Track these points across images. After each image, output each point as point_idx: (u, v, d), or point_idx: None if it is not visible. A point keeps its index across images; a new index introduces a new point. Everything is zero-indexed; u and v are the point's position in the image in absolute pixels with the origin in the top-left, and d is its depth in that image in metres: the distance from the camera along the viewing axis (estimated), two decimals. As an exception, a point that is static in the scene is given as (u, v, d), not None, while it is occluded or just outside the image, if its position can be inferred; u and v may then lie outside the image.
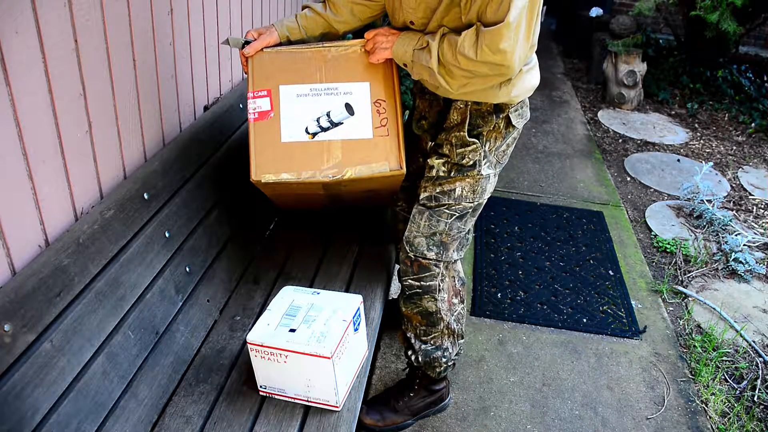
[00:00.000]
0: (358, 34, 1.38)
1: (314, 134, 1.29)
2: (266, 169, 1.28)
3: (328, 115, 1.29)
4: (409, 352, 1.50)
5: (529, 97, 1.30)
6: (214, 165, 1.53)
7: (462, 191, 1.30)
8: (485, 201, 1.36)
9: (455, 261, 1.40)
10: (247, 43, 1.31)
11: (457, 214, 1.33)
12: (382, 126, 1.30)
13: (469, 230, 1.39)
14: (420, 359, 1.48)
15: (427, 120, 1.37)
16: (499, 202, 2.75)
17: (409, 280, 1.38)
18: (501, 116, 1.26)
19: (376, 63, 1.29)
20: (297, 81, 1.30)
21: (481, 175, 1.30)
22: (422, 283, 1.37)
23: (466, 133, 1.26)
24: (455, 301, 1.44)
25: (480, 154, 1.28)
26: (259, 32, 1.32)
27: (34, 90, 0.98)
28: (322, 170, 1.27)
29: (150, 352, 1.17)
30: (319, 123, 1.29)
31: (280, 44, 1.32)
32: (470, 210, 1.34)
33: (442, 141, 1.30)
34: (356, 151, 1.28)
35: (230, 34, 1.78)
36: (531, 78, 1.26)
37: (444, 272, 1.38)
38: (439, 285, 1.38)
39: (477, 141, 1.27)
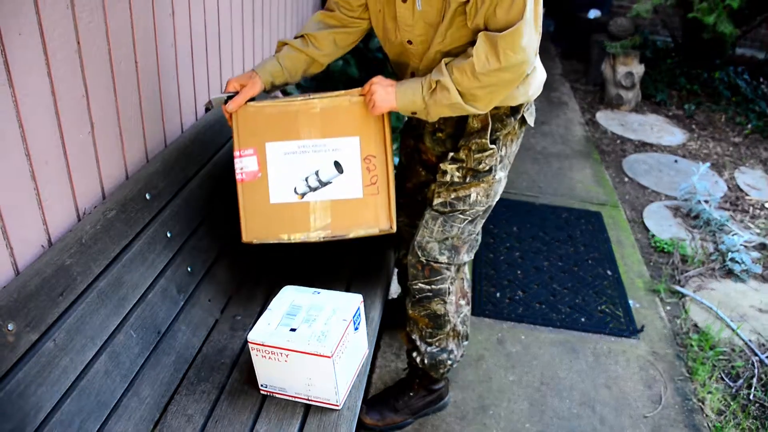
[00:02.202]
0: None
1: (303, 194, 1.28)
2: (256, 232, 1.29)
3: (316, 174, 1.27)
4: (414, 354, 1.49)
5: (527, 98, 1.31)
6: (216, 165, 1.54)
7: (477, 197, 1.29)
8: (495, 203, 1.36)
9: (465, 263, 1.40)
10: (230, 97, 1.24)
11: (470, 218, 1.32)
12: (373, 184, 1.27)
13: (478, 232, 1.38)
14: (426, 362, 1.47)
15: (444, 131, 1.34)
16: (498, 202, 2.72)
17: (420, 284, 1.37)
18: (517, 117, 1.26)
19: (377, 115, 1.23)
20: (284, 137, 1.25)
21: (495, 179, 1.29)
22: (433, 286, 1.36)
23: (488, 140, 1.24)
24: (462, 302, 1.44)
25: (496, 159, 1.27)
26: (240, 83, 1.24)
27: (37, 91, 0.99)
28: (312, 233, 1.28)
29: (152, 351, 1.18)
30: (308, 183, 1.27)
31: (265, 90, 1.28)
32: (481, 213, 1.33)
33: (459, 146, 1.28)
34: (346, 212, 1.27)
35: (231, 39, 1.78)
36: (540, 73, 1.27)
37: (454, 275, 1.38)
38: (449, 288, 1.37)
39: (494, 146, 1.26)
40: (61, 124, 1.06)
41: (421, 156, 1.44)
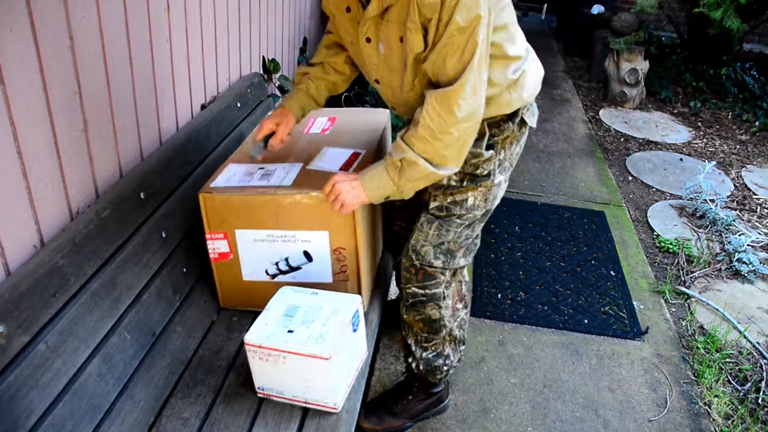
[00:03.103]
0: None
1: (274, 275, 1.34)
2: (233, 301, 1.40)
3: (286, 260, 1.32)
4: (410, 359, 1.47)
5: (528, 96, 1.28)
6: (211, 164, 1.52)
7: (474, 201, 1.27)
8: (495, 206, 1.33)
9: (462, 267, 1.37)
10: (266, 139, 1.31)
11: (467, 223, 1.29)
12: (342, 272, 1.32)
13: (477, 236, 1.36)
14: (422, 368, 1.45)
15: None
16: (499, 202, 2.74)
17: (413, 288, 1.35)
18: (516, 121, 1.23)
19: (349, 213, 1.21)
20: (252, 226, 1.28)
21: (495, 183, 1.27)
22: (426, 291, 1.34)
23: (483, 149, 1.22)
24: (459, 306, 1.41)
25: (495, 163, 1.25)
26: (275, 122, 1.30)
27: (28, 88, 0.97)
28: None
29: (146, 353, 1.16)
30: (278, 266, 1.33)
31: (296, 121, 1.34)
32: (479, 217, 1.31)
33: None
34: None
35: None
36: (535, 73, 1.24)
37: (450, 279, 1.35)
38: (444, 292, 1.35)
39: (492, 151, 1.23)
40: (54, 122, 1.04)
41: None
